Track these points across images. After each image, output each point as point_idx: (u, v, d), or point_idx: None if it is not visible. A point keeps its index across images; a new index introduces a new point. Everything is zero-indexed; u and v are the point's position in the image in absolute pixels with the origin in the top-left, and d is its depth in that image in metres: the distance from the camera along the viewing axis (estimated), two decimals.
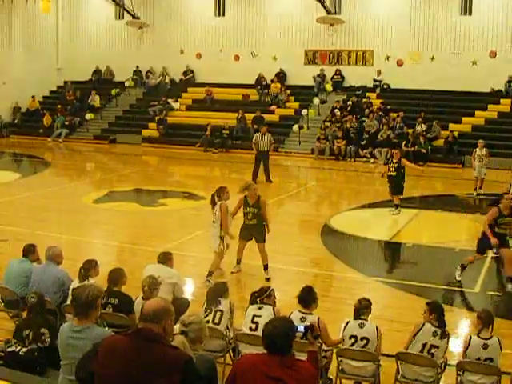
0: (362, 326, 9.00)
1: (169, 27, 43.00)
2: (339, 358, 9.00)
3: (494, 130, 33.64)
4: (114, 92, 42.15)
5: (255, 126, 35.44)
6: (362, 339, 8.95)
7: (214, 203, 14.17)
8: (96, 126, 40.77)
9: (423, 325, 9.01)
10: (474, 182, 24.48)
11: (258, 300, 9.46)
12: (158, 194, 24.66)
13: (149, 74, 43.50)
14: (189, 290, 13.36)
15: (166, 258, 11.11)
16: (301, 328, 6.41)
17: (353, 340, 8.98)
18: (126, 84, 42.56)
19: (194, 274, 14.93)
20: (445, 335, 8.89)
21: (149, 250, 15.66)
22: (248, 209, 14.43)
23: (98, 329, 6.53)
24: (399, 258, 17.78)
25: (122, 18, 43.81)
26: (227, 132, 36.66)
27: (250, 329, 9.17)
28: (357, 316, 9.11)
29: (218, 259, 14.22)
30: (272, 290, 9.71)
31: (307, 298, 9.36)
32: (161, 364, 4.96)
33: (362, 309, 9.13)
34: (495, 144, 30.86)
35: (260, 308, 9.34)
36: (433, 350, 8.80)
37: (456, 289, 14.72)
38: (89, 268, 10.17)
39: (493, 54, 36.53)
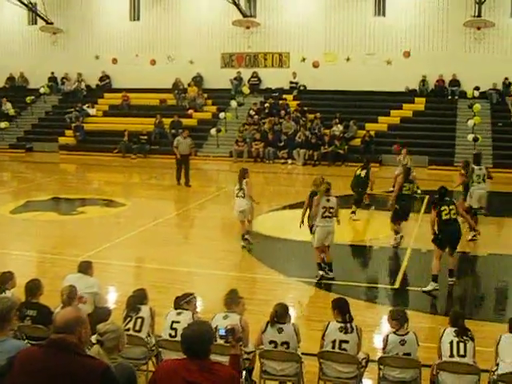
0: (280, 331, 9.02)
1: (83, 32, 42.50)
2: (262, 360, 9.01)
3: (409, 129, 34.29)
4: (28, 99, 41.36)
5: (173, 131, 35.33)
6: (282, 344, 8.98)
7: (240, 181, 17.18)
8: (11, 134, 39.89)
9: (328, 323, 9.12)
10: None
11: (180, 303, 9.41)
12: (77, 202, 24.30)
13: (64, 80, 42.91)
14: (110, 298, 13.21)
15: (86, 267, 10.94)
16: (222, 331, 6.37)
17: (272, 345, 9.00)
18: (41, 91, 41.81)
19: (115, 282, 14.78)
20: (351, 329, 8.98)
21: (69, 260, 15.44)
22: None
23: (13, 341, 6.36)
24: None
25: (35, 23, 43.12)
26: (145, 137, 36.42)
27: (170, 335, 9.11)
28: (274, 322, 9.09)
29: (250, 224, 17.55)
30: (194, 297, 9.65)
31: (230, 299, 9.37)
32: (78, 374, 4.83)
33: (278, 316, 9.12)
34: (410, 142, 31.42)
35: (179, 314, 9.27)
36: (343, 346, 8.89)
37: (377, 286, 14.95)
38: (5, 280, 9.96)
39: (406, 54, 37.33)
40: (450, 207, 14.02)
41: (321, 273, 14.77)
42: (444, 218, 13.94)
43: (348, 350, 8.87)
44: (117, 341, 6.35)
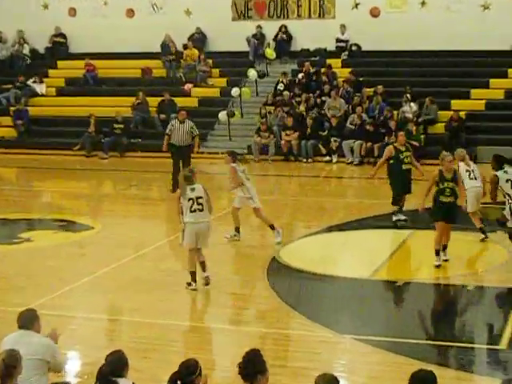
0: None
1: None
2: None
3: None
4: None
5: (162, 116, 35.38)
6: None
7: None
8: None
9: None
10: None
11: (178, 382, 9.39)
12: (20, 224, 24.42)
13: None
14: (72, 367, 13.21)
15: (30, 320, 10.81)
16: None
17: None
18: None
19: (78, 342, 14.77)
20: None
21: (8, 311, 15.43)
22: (446, 184, 18.51)
23: None
24: (386, 303, 17.81)
25: None
26: (121, 126, 36.49)
27: None
28: None
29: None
30: (200, 367, 9.61)
31: (251, 367, 9.29)
32: None
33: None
34: None
35: None
36: None
37: (473, 346, 14.82)
38: None
39: None
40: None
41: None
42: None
43: None
44: None
